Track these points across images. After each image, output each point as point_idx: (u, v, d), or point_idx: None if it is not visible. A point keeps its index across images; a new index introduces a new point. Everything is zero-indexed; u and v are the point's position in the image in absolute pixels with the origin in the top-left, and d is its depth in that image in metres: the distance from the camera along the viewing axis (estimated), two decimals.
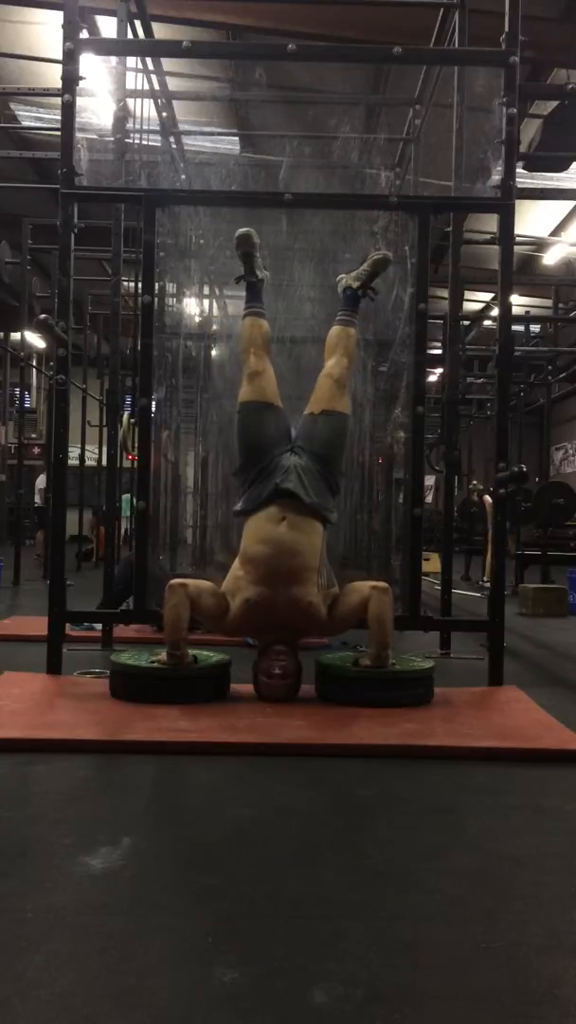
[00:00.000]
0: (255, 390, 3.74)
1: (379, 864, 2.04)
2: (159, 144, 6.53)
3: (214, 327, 7.01)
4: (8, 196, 10.65)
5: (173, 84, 7.00)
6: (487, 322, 12.31)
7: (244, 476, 3.70)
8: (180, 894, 1.85)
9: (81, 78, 4.01)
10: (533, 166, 6.93)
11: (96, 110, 6.97)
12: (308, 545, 3.53)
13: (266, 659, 3.51)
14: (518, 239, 6.22)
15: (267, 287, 4.00)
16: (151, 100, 6.16)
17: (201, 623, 3.72)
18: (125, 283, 6.39)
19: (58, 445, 4.07)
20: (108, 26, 7.48)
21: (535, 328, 11.94)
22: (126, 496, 8.27)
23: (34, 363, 15.20)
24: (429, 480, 11.97)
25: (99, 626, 4.81)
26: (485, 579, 9.08)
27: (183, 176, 6.49)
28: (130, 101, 5.44)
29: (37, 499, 12.42)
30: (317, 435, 3.72)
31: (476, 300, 14.75)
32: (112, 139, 5.20)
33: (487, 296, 14.05)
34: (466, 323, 11.61)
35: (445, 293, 5.50)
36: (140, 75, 5.79)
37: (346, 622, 3.65)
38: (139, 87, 5.81)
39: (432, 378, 11.04)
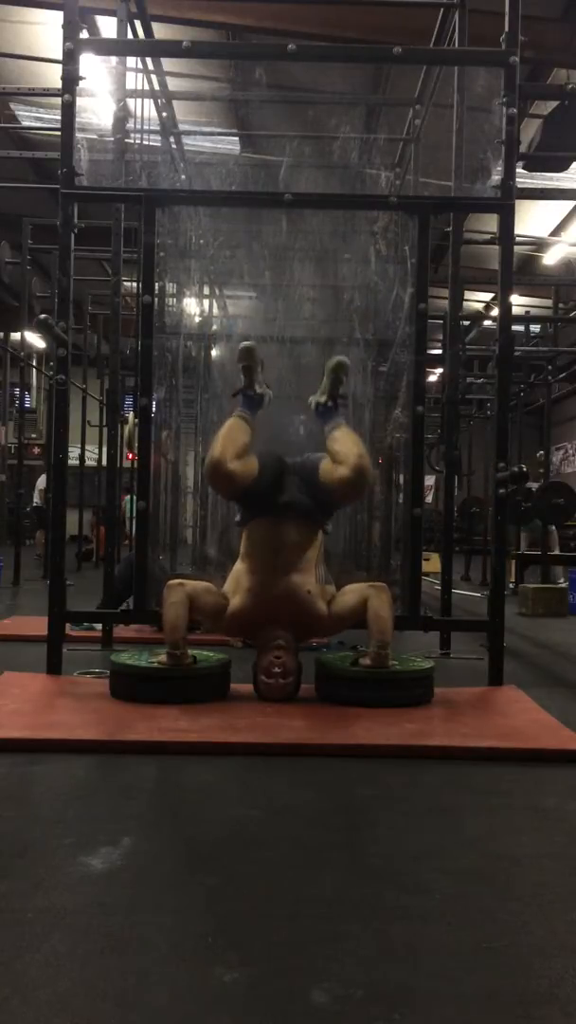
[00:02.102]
0: (246, 472, 3.60)
1: (379, 864, 2.04)
2: (159, 144, 6.53)
3: (214, 327, 7.02)
4: (8, 196, 10.64)
5: (173, 84, 7.00)
6: (487, 322, 12.30)
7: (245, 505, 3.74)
8: (180, 894, 1.85)
9: (81, 78, 4.01)
10: (533, 166, 6.92)
11: (96, 110, 6.97)
12: (308, 538, 3.61)
13: (266, 658, 3.51)
14: (518, 239, 6.22)
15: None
16: (151, 100, 6.17)
17: (201, 622, 3.72)
18: (125, 283, 6.39)
19: (58, 445, 4.07)
20: (108, 26, 7.48)
21: (535, 328, 11.92)
22: (127, 498, 8.29)
23: (34, 363, 15.19)
24: (429, 480, 11.97)
25: (99, 626, 4.81)
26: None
27: (183, 176, 6.49)
28: (130, 101, 5.44)
29: (37, 499, 12.43)
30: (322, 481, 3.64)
31: (476, 300, 14.75)
32: (112, 139, 5.20)
33: (487, 296, 14.05)
34: (466, 323, 11.59)
35: (445, 293, 5.50)
36: (140, 75, 5.80)
37: (344, 620, 3.66)
38: (139, 87, 5.81)
39: (432, 378, 11.04)
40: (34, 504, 12.52)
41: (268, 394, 3.83)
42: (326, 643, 5.05)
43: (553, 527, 9.87)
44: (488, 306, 12.91)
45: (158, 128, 6.43)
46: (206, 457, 3.77)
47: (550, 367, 10.63)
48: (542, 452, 10.31)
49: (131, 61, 5.46)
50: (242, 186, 4.91)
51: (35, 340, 13.56)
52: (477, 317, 12.21)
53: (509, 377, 4.30)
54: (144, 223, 4.04)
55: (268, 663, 3.49)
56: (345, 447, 3.61)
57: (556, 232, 12.88)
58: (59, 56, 4.03)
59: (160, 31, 6.98)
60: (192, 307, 6.84)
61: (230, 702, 3.51)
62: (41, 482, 12.20)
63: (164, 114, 6.56)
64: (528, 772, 2.78)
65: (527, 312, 11.70)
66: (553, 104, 6.71)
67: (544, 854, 2.12)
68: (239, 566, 3.66)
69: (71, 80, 3.98)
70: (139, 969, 1.52)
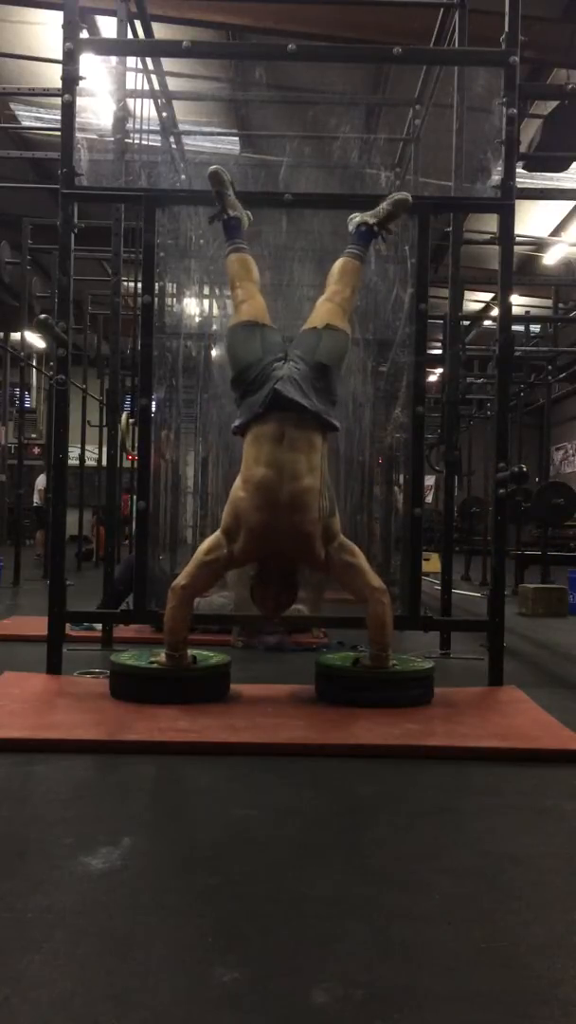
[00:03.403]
0: (242, 314, 3.69)
1: (379, 864, 2.04)
2: (159, 144, 6.53)
3: (214, 327, 7.01)
4: (8, 196, 10.65)
5: (173, 84, 7.00)
6: (487, 322, 12.30)
7: (238, 386, 3.61)
8: (180, 894, 1.86)
9: (81, 78, 4.01)
10: (533, 166, 6.93)
11: (96, 110, 6.97)
12: (308, 465, 3.43)
13: (264, 591, 3.56)
14: (518, 239, 6.22)
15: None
16: (151, 100, 6.17)
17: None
18: (125, 283, 6.39)
19: (58, 445, 4.07)
20: (108, 26, 7.48)
21: (535, 328, 11.93)
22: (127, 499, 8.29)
23: (34, 363, 15.18)
24: (429, 480, 11.98)
25: (99, 626, 4.81)
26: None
27: (183, 176, 6.49)
28: (130, 101, 5.44)
29: (36, 499, 12.42)
30: (322, 346, 3.61)
31: (476, 300, 14.75)
32: (112, 139, 5.20)
33: (487, 296, 14.04)
34: (466, 323, 11.60)
35: (445, 293, 5.50)
36: (140, 75, 5.80)
37: (335, 575, 3.62)
38: (139, 87, 5.81)
39: (432, 378, 11.04)
40: (34, 504, 12.51)
41: (245, 216, 3.85)
42: (326, 643, 5.05)
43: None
44: (488, 306, 12.90)
45: (158, 128, 6.43)
46: (234, 307, 3.75)
47: (550, 367, 10.64)
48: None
49: (131, 61, 5.46)
50: (242, 186, 4.90)
51: (35, 340, 13.55)
52: (477, 318, 12.21)
53: (509, 377, 4.30)
54: (144, 223, 4.04)
55: (266, 595, 3.56)
56: (348, 275, 3.76)
57: (556, 232, 12.88)
58: (59, 56, 4.03)
59: (160, 31, 6.98)
60: (192, 307, 6.84)
61: (230, 702, 3.51)
62: (41, 482, 12.19)
63: (164, 114, 6.56)
64: (528, 772, 2.78)
65: (527, 312, 11.70)
66: (553, 104, 6.72)
67: (544, 854, 2.12)
68: (240, 494, 3.46)
69: (71, 80, 3.98)
70: (139, 969, 1.52)
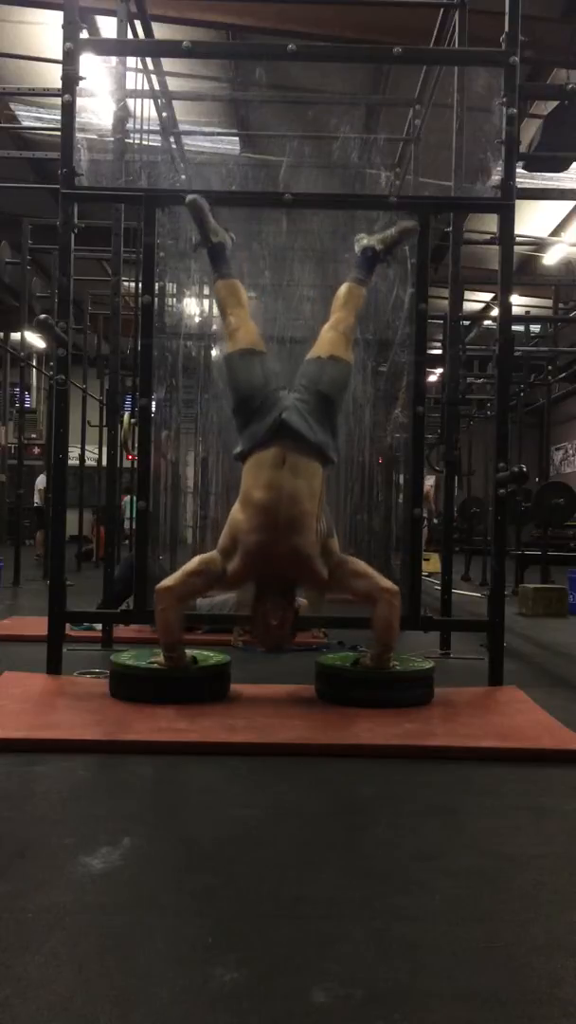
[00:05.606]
0: (238, 342, 3.70)
1: (379, 864, 2.04)
2: (159, 144, 6.53)
3: (214, 327, 7.01)
4: (8, 196, 10.65)
5: (173, 84, 7.01)
6: (487, 322, 12.31)
7: (241, 414, 3.62)
8: (180, 894, 1.85)
9: (81, 78, 4.01)
10: (533, 166, 6.93)
11: (96, 110, 6.97)
12: (308, 491, 3.45)
13: (262, 607, 3.50)
14: (518, 239, 6.22)
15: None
16: (151, 100, 6.17)
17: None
18: (125, 283, 6.39)
19: (58, 445, 4.08)
20: (108, 26, 7.48)
21: (535, 328, 11.93)
22: (127, 499, 8.29)
23: (34, 363, 15.18)
24: (429, 480, 11.97)
25: (99, 626, 4.81)
26: None
27: (183, 176, 6.49)
28: (130, 101, 5.44)
29: (36, 499, 12.42)
30: (326, 376, 3.63)
31: (476, 300, 14.76)
32: (112, 139, 5.20)
33: (487, 296, 14.05)
34: (466, 323, 11.62)
35: (445, 293, 5.50)
36: (140, 75, 5.80)
37: (339, 590, 3.61)
38: (139, 87, 5.81)
39: (432, 378, 11.04)
40: (34, 504, 12.51)
41: (227, 239, 3.84)
42: (326, 643, 5.05)
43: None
44: (488, 306, 12.91)
45: (158, 128, 6.43)
46: (227, 335, 3.75)
47: (550, 367, 10.64)
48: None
49: (131, 61, 5.46)
50: (242, 186, 4.92)
51: (35, 340, 13.55)
52: (477, 318, 12.22)
53: (509, 377, 4.30)
54: (144, 223, 4.04)
55: (265, 613, 3.49)
56: (352, 302, 3.78)
57: (556, 232, 12.87)
58: (59, 56, 4.03)
59: (160, 31, 6.98)
60: (192, 307, 6.84)
61: (230, 702, 3.51)
62: (40, 482, 12.19)
63: (164, 114, 6.56)
64: (528, 772, 2.78)
65: (527, 312, 11.71)
66: (553, 104, 6.72)
67: (544, 854, 2.12)
68: (238, 516, 3.48)
69: (71, 80, 3.98)
70: (139, 969, 1.52)
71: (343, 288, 3.86)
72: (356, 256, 3.89)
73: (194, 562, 3.58)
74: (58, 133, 4.05)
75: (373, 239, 3.87)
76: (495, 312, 4.79)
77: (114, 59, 5.33)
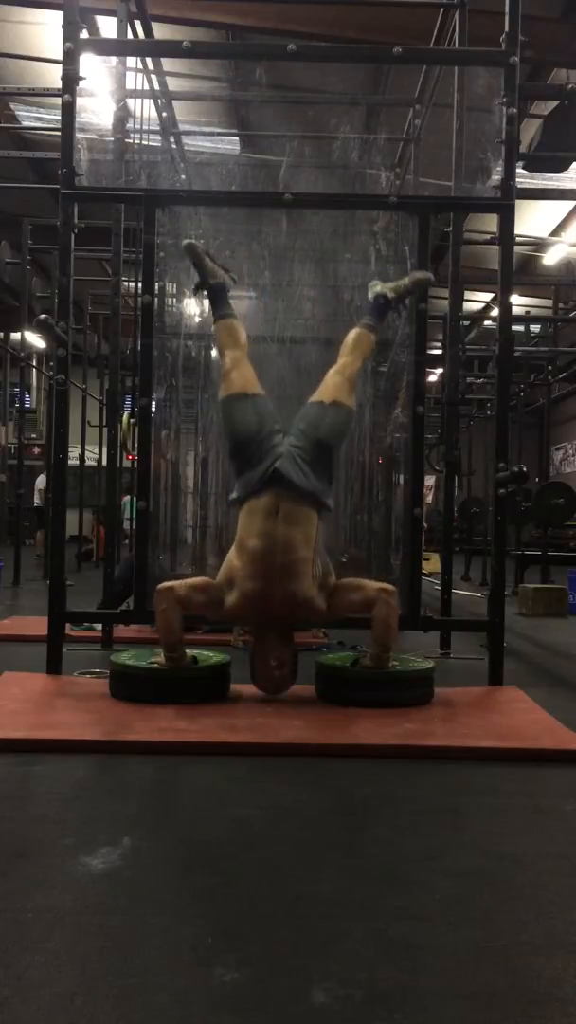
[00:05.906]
0: (232, 385, 3.71)
1: (379, 864, 2.04)
2: (159, 144, 6.53)
3: (213, 327, 7.00)
4: (8, 196, 10.65)
5: (173, 84, 7.00)
6: (487, 322, 12.32)
7: (236, 459, 3.64)
8: (180, 894, 1.86)
9: (81, 78, 4.01)
10: (533, 166, 6.92)
11: (96, 110, 6.96)
12: (303, 538, 3.46)
13: (262, 649, 3.51)
14: (518, 239, 6.22)
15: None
16: (151, 100, 6.16)
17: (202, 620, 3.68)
18: (125, 283, 6.39)
19: (58, 445, 4.08)
20: (108, 26, 7.48)
21: (535, 328, 11.94)
22: (127, 499, 8.27)
23: (34, 363, 15.18)
24: (429, 480, 11.97)
25: (99, 626, 4.81)
26: None
27: (183, 176, 6.49)
28: (130, 101, 5.44)
29: (36, 499, 12.42)
30: (327, 423, 3.64)
31: (476, 300, 14.75)
32: (112, 139, 5.20)
33: (487, 296, 14.04)
34: (466, 323, 11.61)
35: (445, 293, 5.49)
36: (140, 75, 5.79)
37: (343, 615, 3.65)
38: (139, 87, 5.80)
39: (432, 378, 11.04)
40: (34, 504, 12.50)
41: (227, 280, 3.88)
42: (326, 643, 5.05)
43: None
44: (488, 306, 12.91)
45: (158, 128, 6.42)
46: (222, 377, 3.77)
47: (550, 367, 10.64)
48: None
49: (131, 61, 5.45)
50: (242, 186, 4.91)
51: (35, 340, 13.56)
52: (477, 318, 12.23)
53: (509, 377, 4.30)
54: (144, 223, 4.04)
55: (264, 655, 3.50)
56: (360, 348, 3.82)
57: (556, 232, 12.88)
58: (59, 56, 4.03)
59: (160, 31, 6.98)
60: (192, 307, 6.83)
61: (230, 702, 3.51)
62: (40, 482, 12.19)
63: (164, 114, 6.56)
64: (528, 772, 2.78)
65: (527, 312, 11.71)
66: (553, 104, 6.71)
67: (544, 854, 2.12)
68: (234, 562, 3.50)
69: (71, 80, 3.98)
70: (139, 969, 1.52)
71: (352, 333, 3.86)
72: (368, 303, 3.92)
73: (200, 579, 3.62)
74: (58, 133, 4.05)
75: (386, 287, 3.90)
76: (495, 312, 4.78)
77: (114, 59, 5.33)
